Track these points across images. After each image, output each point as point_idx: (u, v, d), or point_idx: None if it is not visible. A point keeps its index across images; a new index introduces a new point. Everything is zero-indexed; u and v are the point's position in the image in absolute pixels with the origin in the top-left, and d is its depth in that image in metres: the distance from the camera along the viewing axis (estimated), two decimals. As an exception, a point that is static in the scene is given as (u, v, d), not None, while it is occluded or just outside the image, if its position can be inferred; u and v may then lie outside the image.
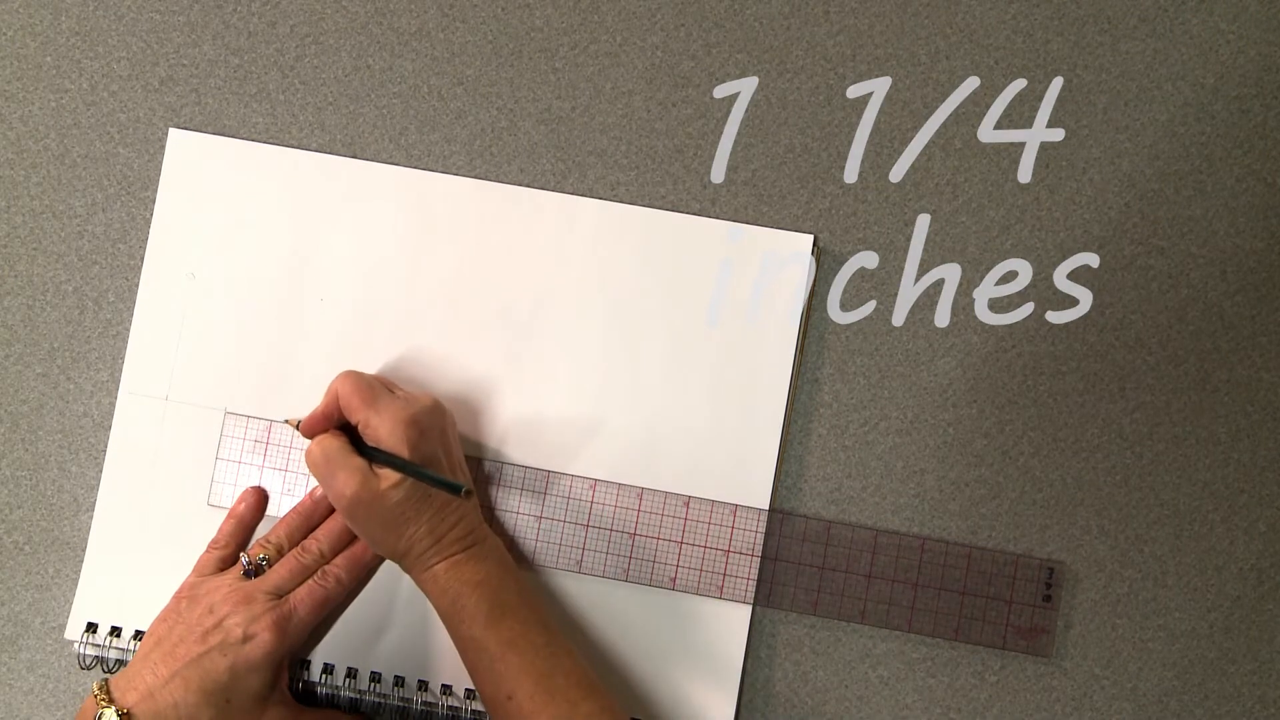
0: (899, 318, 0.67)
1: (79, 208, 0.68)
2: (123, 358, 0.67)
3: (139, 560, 0.66)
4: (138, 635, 0.65)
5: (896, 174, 0.67)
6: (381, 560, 0.64)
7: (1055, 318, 0.67)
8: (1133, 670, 0.65)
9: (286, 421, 0.65)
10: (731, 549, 0.65)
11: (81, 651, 0.65)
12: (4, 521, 0.67)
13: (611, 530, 0.66)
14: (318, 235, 0.67)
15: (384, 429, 0.59)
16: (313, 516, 0.64)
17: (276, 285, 0.67)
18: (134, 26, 0.69)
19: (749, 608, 0.65)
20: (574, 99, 0.68)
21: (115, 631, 0.65)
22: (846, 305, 0.67)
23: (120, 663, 0.65)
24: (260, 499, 0.65)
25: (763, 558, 0.65)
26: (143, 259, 0.67)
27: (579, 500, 0.66)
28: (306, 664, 0.65)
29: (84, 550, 0.66)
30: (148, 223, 0.68)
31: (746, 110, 0.68)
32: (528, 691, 0.57)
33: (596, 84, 0.68)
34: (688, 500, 0.66)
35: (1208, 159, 0.67)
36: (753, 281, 0.67)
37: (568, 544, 0.66)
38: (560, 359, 0.67)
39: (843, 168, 0.67)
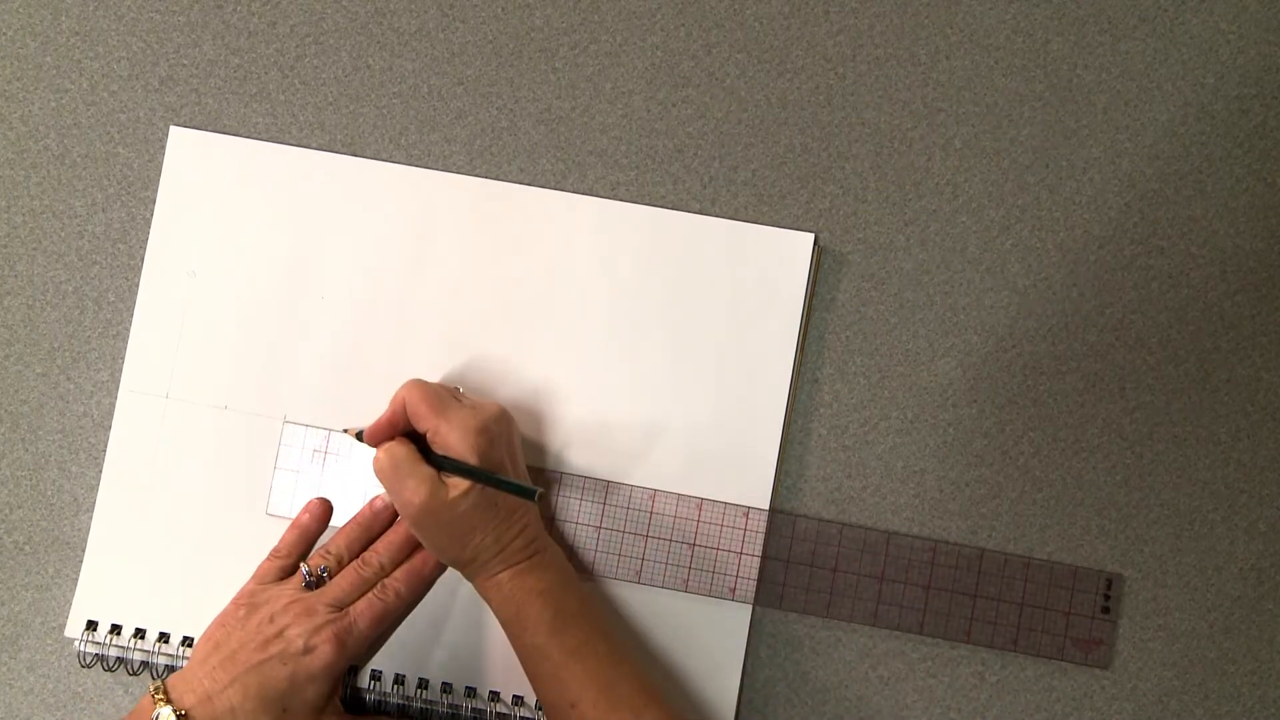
0: (899, 318, 0.67)
1: (79, 208, 0.68)
2: (123, 357, 0.67)
3: (139, 558, 0.66)
4: (139, 633, 0.65)
5: (897, 174, 0.67)
6: (440, 573, 0.64)
7: (1055, 318, 0.67)
8: (1133, 670, 0.65)
9: (345, 431, 0.65)
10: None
11: (81, 649, 0.65)
12: (4, 521, 0.67)
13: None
14: (318, 233, 0.67)
15: (454, 436, 0.59)
16: (372, 527, 0.64)
17: (277, 283, 0.67)
18: (134, 26, 0.69)
19: (749, 608, 0.65)
20: (574, 99, 0.68)
21: (115, 629, 0.65)
22: (846, 305, 0.67)
23: (121, 660, 0.65)
24: (325, 510, 0.65)
25: (764, 557, 0.65)
26: (143, 258, 0.67)
27: (631, 507, 0.66)
28: (354, 670, 0.65)
29: (84, 550, 0.66)
30: (148, 222, 0.68)
31: (746, 111, 0.68)
32: (591, 699, 0.58)
33: (596, 84, 0.68)
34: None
35: (1208, 159, 0.67)
36: (753, 281, 0.67)
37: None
38: (560, 358, 0.67)
39: (843, 168, 0.68)
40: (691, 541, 0.66)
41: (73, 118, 0.69)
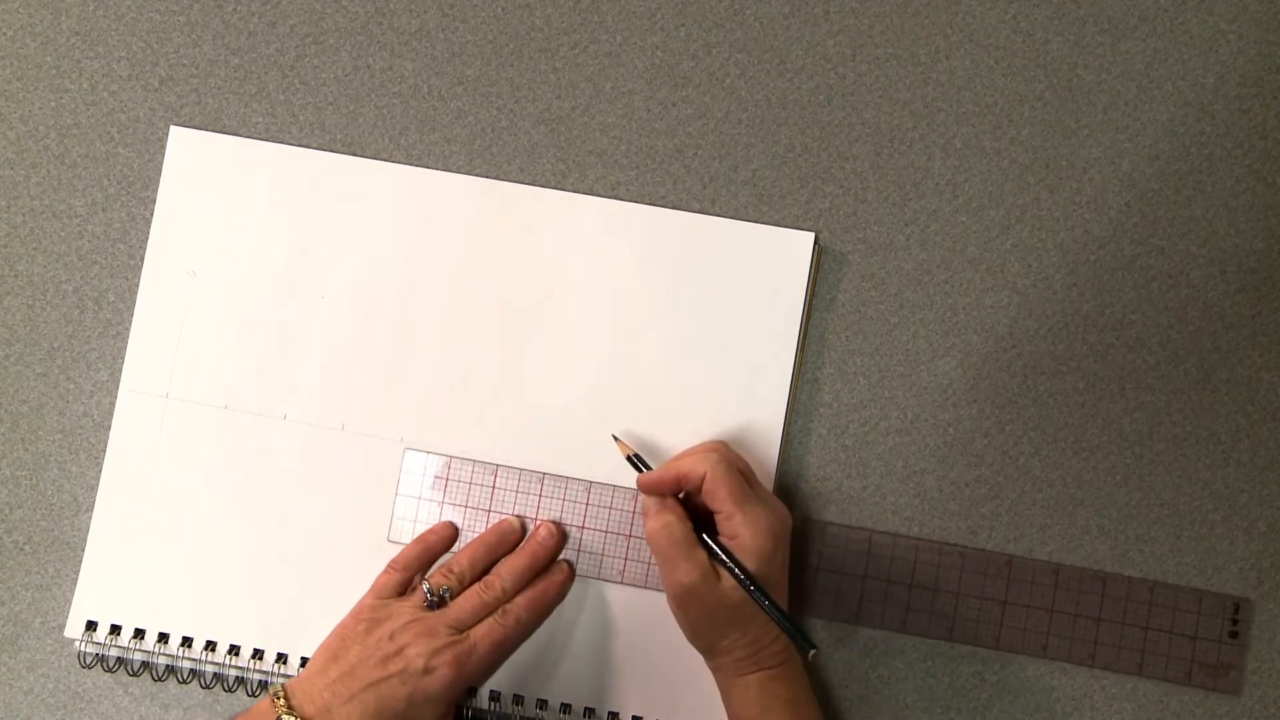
0: (899, 318, 0.67)
1: (79, 208, 0.68)
2: (123, 357, 0.67)
3: (139, 558, 0.66)
4: (138, 634, 0.65)
5: (897, 174, 0.67)
6: (560, 601, 0.64)
7: (1055, 318, 0.67)
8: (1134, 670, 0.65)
9: (616, 439, 0.65)
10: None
11: (81, 649, 0.65)
12: (4, 521, 0.67)
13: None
14: (318, 233, 0.67)
15: (745, 534, 0.59)
16: (496, 549, 0.64)
17: (277, 283, 0.67)
18: (134, 26, 0.69)
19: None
20: (574, 99, 0.68)
21: (115, 630, 0.65)
22: (846, 305, 0.67)
23: (121, 661, 0.65)
24: (451, 533, 0.65)
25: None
26: (143, 258, 0.67)
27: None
28: (473, 691, 0.64)
29: (84, 550, 0.66)
30: (148, 222, 0.68)
31: (746, 111, 0.68)
32: None
33: (596, 84, 0.68)
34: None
35: (1208, 159, 0.67)
36: (753, 281, 0.67)
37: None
38: (560, 358, 0.67)
39: (843, 168, 0.68)
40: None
41: (73, 118, 0.69)
